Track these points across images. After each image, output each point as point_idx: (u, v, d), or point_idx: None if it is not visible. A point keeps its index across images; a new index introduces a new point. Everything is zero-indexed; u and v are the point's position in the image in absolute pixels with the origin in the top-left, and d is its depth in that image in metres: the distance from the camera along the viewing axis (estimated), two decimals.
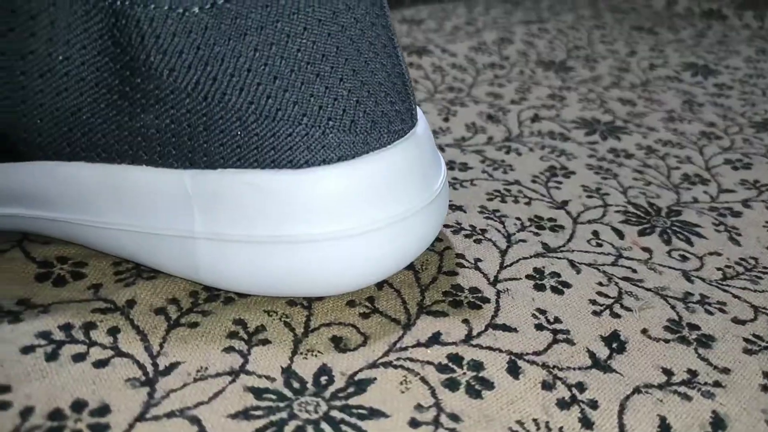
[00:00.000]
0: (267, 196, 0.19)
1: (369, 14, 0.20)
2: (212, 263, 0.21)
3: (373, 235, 0.20)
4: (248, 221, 0.20)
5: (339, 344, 0.20)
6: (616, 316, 0.22)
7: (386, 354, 0.20)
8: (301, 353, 0.20)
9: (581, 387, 0.19)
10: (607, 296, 0.23)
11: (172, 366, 0.19)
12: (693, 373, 0.20)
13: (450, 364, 0.19)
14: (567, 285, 0.24)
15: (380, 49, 0.20)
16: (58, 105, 0.20)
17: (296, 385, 0.18)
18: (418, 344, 0.20)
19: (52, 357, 0.19)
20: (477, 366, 0.19)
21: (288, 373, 0.19)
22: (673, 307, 0.23)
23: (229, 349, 0.19)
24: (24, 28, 0.19)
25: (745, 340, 0.22)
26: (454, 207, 0.28)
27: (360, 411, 0.18)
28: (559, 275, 0.24)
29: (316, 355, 0.19)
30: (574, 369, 0.20)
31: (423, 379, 0.19)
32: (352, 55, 0.19)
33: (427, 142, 0.22)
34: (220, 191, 0.20)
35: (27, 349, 0.19)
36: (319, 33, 0.19)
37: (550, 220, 0.28)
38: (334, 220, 0.19)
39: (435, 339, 0.20)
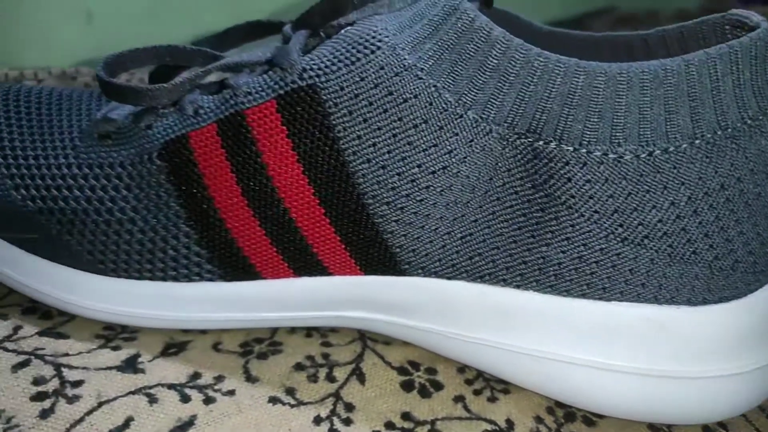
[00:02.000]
0: (663, 331, 0.20)
1: None
2: (587, 388, 0.21)
3: (757, 373, 0.21)
4: (637, 353, 0.21)
5: None
6: None
7: None
8: None
9: None
10: None
11: None
12: None
13: None
14: None
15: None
16: (451, 232, 0.21)
17: None
18: None
19: None
20: None
21: None
22: None
23: None
24: (427, 162, 0.21)
25: None
26: None
27: None
28: None
29: None
30: None
31: None
32: (763, 203, 0.20)
33: None
34: (610, 323, 0.21)
35: None
36: (750, 181, 0.20)
37: None
38: (729, 358, 0.20)
39: None
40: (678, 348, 0.20)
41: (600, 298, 0.21)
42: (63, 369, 0.21)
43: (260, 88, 0.21)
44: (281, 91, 0.20)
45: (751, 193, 0.20)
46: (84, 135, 0.23)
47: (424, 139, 0.20)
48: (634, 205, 0.19)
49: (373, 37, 0.20)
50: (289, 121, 0.20)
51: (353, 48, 0.20)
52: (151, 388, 0.21)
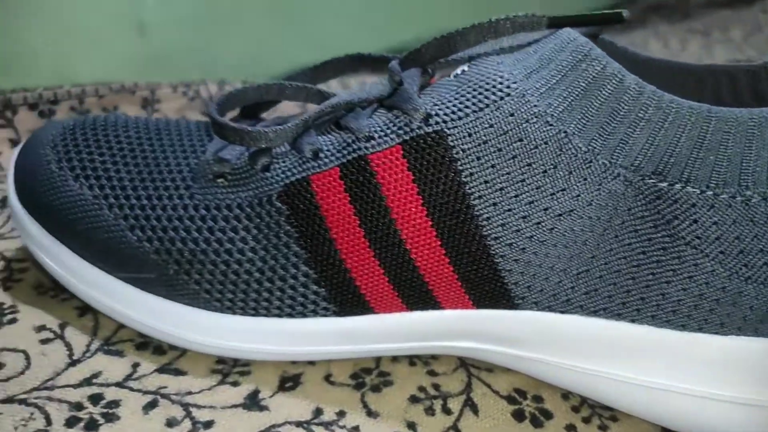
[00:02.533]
0: None
1: None
2: (697, 416, 0.22)
3: None
4: (752, 384, 0.21)
5: None
6: None
7: None
8: None
9: None
10: None
11: None
12: None
13: None
14: None
15: None
16: (567, 269, 0.21)
17: None
18: None
19: None
20: None
21: None
22: None
23: None
24: (554, 206, 0.21)
25: None
26: None
27: None
28: None
29: None
30: None
31: None
32: None
33: None
34: (727, 356, 0.21)
35: None
36: None
37: None
38: None
39: None
40: None
41: (716, 333, 0.21)
42: (191, 408, 0.22)
43: (384, 133, 0.21)
44: (406, 137, 0.20)
45: None
46: (197, 175, 0.23)
47: (553, 184, 0.20)
48: (761, 246, 0.20)
49: (501, 83, 0.20)
50: (415, 166, 0.20)
51: (480, 93, 0.20)
52: (279, 426, 0.22)
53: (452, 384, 0.24)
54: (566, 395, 0.25)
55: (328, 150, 0.22)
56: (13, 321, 0.25)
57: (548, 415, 0.24)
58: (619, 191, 0.20)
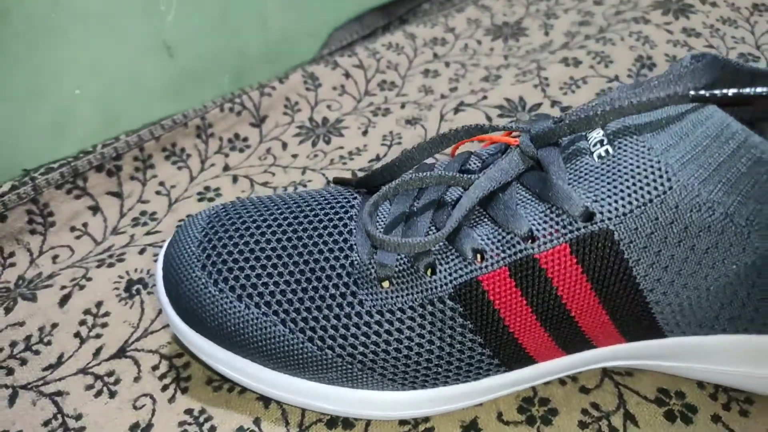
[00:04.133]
0: None
1: None
2: None
3: None
4: None
5: None
6: None
7: None
8: None
9: None
10: None
11: None
12: None
13: None
14: None
15: None
16: (712, 305, 0.24)
17: None
18: None
19: None
20: None
21: None
22: None
23: None
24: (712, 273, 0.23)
25: None
26: None
27: None
28: None
29: None
30: None
31: None
32: None
33: None
34: None
35: None
36: None
37: None
38: None
39: None
40: None
41: None
42: None
43: (547, 232, 0.22)
44: (572, 236, 0.22)
45: None
46: (359, 279, 0.24)
47: (714, 258, 0.22)
48: None
49: (661, 176, 0.21)
50: (583, 261, 0.22)
51: (641, 188, 0.21)
52: None
53: (607, 399, 0.28)
54: (701, 384, 0.28)
55: (491, 251, 0.23)
56: (213, 429, 0.27)
57: (693, 410, 0.27)
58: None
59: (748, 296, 0.23)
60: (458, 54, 0.50)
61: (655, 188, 0.21)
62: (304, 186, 0.39)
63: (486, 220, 0.24)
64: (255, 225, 0.27)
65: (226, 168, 0.41)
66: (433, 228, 0.24)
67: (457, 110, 0.44)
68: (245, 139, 0.43)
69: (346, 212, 0.27)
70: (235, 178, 0.40)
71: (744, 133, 0.20)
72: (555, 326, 0.24)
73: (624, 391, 0.28)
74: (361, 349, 0.24)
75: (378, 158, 0.40)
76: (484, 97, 0.44)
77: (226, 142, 0.43)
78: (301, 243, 0.26)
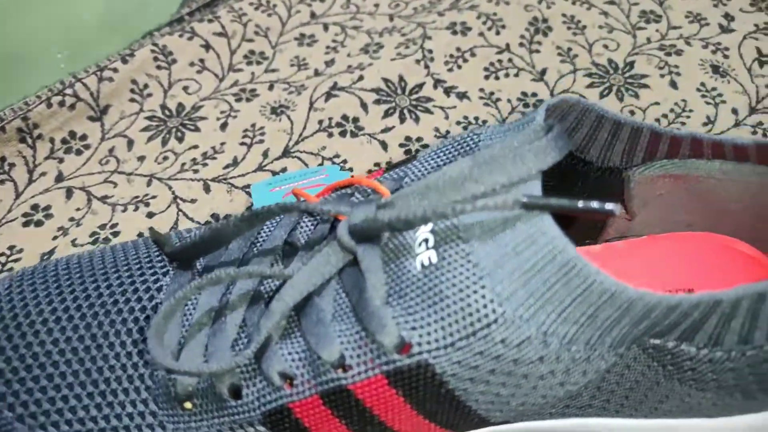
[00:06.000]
0: None
1: None
2: None
3: None
4: None
5: None
6: None
7: None
8: None
9: None
10: None
11: None
12: None
13: None
14: None
15: None
16: (538, 411, 0.21)
17: None
18: None
19: None
20: None
21: None
22: None
23: None
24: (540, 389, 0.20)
25: None
26: None
27: None
28: None
29: None
30: None
31: None
32: None
33: None
34: None
35: None
36: None
37: None
38: None
39: None
40: None
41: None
42: None
43: (360, 361, 0.19)
44: (388, 368, 0.18)
45: None
46: (159, 397, 0.21)
47: (550, 382, 0.19)
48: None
49: (485, 305, 0.17)
50: (404, 392, 0.19)
51: (463, 318, 0.18)
52: None
53: None
54: None
55: (300, 374, 0.19)
56: None
57: None
58: (612, 362, 0.19)
59: (592, 397, 0.21)
60: (339, 12, 0.44)
61: (479, 319, 0.18)
62: (147, 205, 0.34)
63: (298, 332, 0.20)
64: (41, 319, 0.22)
65: (60, 178, 0.35)
66: (243, 333, 0.21)
67: (329, 95, 0.38)
68: (83, 138, 0.37)
69: (151, 299, 0.22)
70: (69, 192, 0.35)
71: (577, 259, 0.17)
72: None
73: None
74: None
75: (235, 162, 0.35)
76: (361, 78, 0.39)
77: (59, 143, 0.36)
78: (94, 345, 0.22)
